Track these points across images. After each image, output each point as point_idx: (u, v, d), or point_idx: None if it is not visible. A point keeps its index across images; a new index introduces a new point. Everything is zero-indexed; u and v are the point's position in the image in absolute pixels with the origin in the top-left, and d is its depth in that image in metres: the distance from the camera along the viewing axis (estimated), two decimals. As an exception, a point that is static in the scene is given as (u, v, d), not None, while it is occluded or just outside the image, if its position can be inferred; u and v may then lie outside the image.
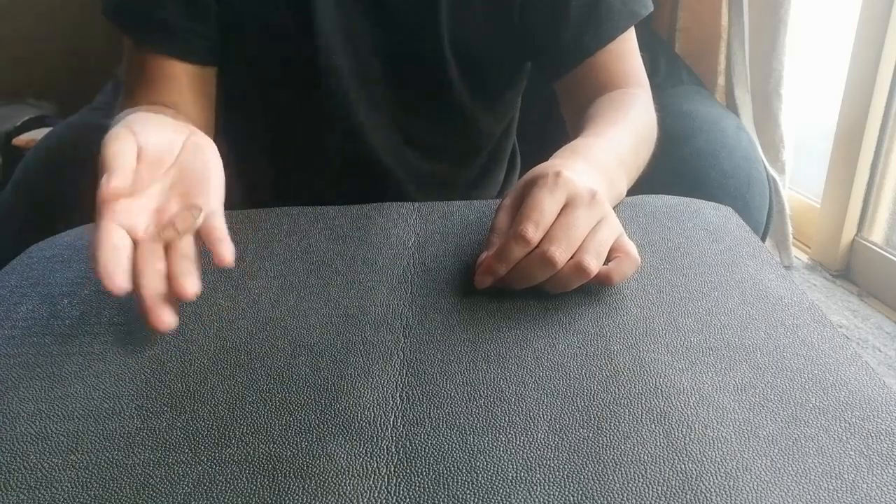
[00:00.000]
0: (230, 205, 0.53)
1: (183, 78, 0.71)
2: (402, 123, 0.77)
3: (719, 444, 0.37)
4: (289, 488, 0.35)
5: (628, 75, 0.73)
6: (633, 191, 0.63)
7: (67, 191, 1.14)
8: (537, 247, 0.47)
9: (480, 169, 0.88)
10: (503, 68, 0.77)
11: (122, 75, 0.75)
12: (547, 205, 0.47)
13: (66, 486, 0.35)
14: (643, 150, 0.67)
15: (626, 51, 0.73)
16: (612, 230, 0.49)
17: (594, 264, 0.46)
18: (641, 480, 0.35)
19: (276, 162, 0.82)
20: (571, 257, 0.47)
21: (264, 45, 0.71)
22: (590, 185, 0.49)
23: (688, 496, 0.34)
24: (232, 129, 0.75)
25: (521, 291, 0.49)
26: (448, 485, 0.35)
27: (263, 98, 0.78)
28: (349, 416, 0.39)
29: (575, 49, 0.71)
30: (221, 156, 0.54)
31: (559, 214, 0.48)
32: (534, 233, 0.46)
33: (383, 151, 0.78)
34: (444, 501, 0.34)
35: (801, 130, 1.63)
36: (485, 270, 0.48)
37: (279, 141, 0.80)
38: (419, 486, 0.35)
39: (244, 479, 0.35)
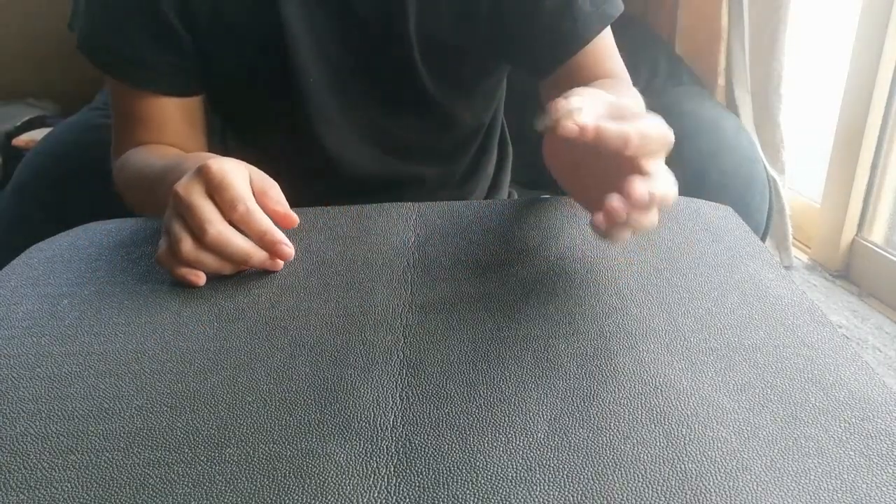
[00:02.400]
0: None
1: (172, 113, 0.71)
2: (380, 128, 0.76)
3: (719, 444, 0.37)
4: (289, 488, 0.35)
5: (610, 74, 0.73)
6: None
7: (67, 191, 1.14)
8: None
9: (469, 164, 0.87)
10: (473, 65, 0.76)
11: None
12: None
13: (66, 486, 0.35)
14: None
15: (605, 51, 0.73)
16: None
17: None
18: (641, 480, 0.35)
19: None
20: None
21: (233, 61, 0.70)
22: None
23: (688, 496, 0.34)
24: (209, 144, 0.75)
25: (520, 290, 0.49)
26: (448, 485, 0.35)
27: (235, 111, 0.77)
28: (349, 415, 0.39)
29: (550, 55, 0.72)
30: None
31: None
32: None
33: (363, 160, 0.77)
34: (444, 501, 0.34)
35: (801, 130, 1.64)
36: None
37: (253, 154, 0.80)
38: (419, 486, 0.35)
39: (244, 478, 0.35)
